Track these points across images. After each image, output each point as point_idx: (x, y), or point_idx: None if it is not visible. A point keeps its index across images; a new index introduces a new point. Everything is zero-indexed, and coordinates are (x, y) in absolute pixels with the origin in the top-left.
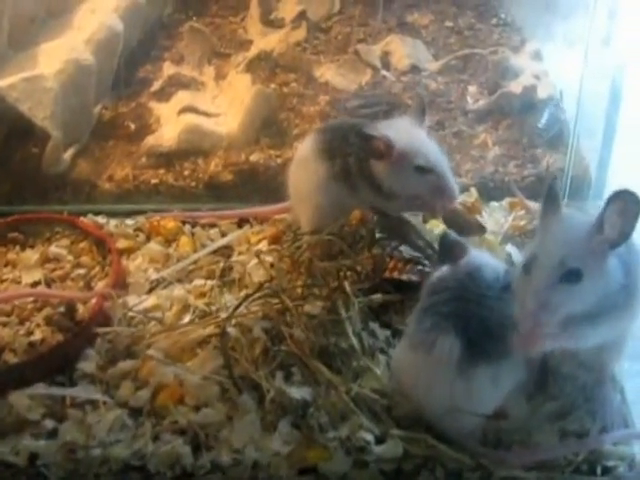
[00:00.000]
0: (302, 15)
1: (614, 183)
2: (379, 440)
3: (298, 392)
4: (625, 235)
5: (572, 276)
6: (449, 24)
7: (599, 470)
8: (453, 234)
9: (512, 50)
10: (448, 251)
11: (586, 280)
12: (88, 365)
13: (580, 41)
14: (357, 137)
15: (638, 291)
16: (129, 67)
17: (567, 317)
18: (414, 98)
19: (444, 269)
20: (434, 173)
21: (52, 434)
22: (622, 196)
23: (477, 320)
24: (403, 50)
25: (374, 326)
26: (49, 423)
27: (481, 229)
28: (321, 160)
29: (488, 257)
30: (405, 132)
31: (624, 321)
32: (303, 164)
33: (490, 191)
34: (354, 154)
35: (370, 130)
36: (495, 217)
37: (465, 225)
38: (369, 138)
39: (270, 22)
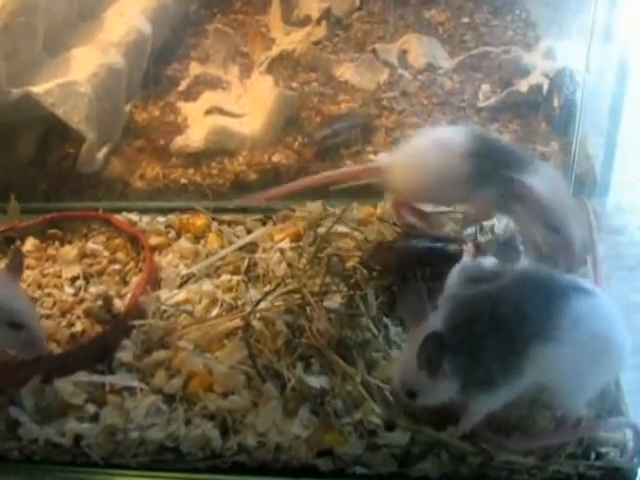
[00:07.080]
0: (327, 12)
1: (619, 180)
2: (388, 427)
3: (317, 381)
4: None
5: None
6: (466, 20)
7: (593, 455)
8: None
9: (526, 47)
10: None
11: None
12: (125, 355)
13: (586, 37)
14: None
15: None
16: (157, 65)
17: None
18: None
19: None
20: None
21: (94, 417)
22: None
23: (494, 350)
24: (419, 48)
25: (387, 321)
26: (91, 407)
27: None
28: None
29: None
30: None
31: None
32: None
33: None
34: None
35: None
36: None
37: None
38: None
39: (293, 20)
